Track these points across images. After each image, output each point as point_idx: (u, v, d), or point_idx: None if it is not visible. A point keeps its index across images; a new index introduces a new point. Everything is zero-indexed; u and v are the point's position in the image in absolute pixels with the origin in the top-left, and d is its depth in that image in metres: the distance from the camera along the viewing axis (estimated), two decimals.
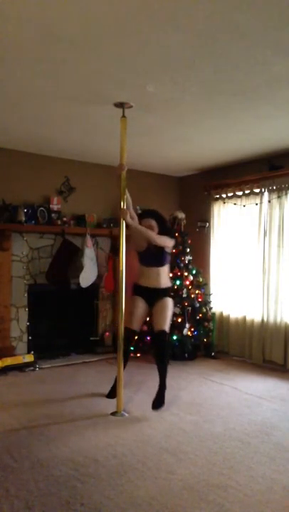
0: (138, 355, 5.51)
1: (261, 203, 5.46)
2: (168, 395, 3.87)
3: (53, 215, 5.39)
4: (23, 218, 5.03)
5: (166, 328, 3.90)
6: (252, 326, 5.55)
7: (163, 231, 3.98)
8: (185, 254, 5.70)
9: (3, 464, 2.74)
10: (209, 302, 5.83)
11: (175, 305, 5.37)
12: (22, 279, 5.25)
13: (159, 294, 3.96)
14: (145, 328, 5.52)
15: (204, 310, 5.62)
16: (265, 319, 5.38)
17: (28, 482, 2.52)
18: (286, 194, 5.18)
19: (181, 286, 5.49)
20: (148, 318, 4.30)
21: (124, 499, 2.35)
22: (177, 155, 5.54)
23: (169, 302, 3.98)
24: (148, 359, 5.43)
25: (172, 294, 5.43)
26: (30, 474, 2.61)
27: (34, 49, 2.80)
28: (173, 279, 5.55)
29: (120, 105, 3.68)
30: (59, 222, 5.40)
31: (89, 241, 5.51)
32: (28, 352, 5.19)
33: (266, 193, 5.42)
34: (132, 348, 4.14)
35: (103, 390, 4.16)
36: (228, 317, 5.89)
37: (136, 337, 4.17)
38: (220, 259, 6.01)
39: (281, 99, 3.58)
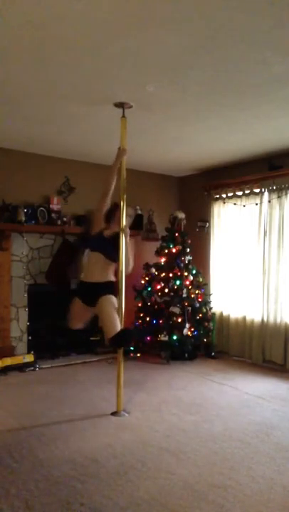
0: (138, 355, 5.51)
1: (261, 203, 5.46)
2: (168, 395, 3.88)
3: (53, 215, 5.39)
4: (23, 218, 5.04)
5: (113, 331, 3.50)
6: (252, 326, 5.55)
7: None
8: (185, 254, 5.70)
9: (3, 464, 2.74)
10: (209, 302, 5.83)
11: (175, 305, 5.40)
12: (22, 279, 5.25)
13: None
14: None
15: (204, 310, 5.62)
16: (265, 319, 5.38)
17: (28, 482, 2.52)
18: (286, 194, 5.18)
19: (181, 286, 5.49)
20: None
21: (124, 499, 2.35)
22: (177, 155, 5.54)
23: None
24: (148, 359, 5.44)
25: (172, 294, 5.48)
26: (30, 474, 2.61)
27: (34, 49, 2.80)
28: (173, 279, 5.56)
29: (120, 105, 3.68)
30: (59, 222, 5.40)
31: None
32: (28, 352, 5.19)
33: (266, 193, 5.41)
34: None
35: (103, 390, 4.16)
36: (228, 317, 5.89)
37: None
38: (220, 259, 6.01)
39: (281, 98, 3.58)
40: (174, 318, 5.35)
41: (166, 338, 5.31)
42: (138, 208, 6.10)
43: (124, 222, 3.64)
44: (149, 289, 5.63)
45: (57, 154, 5.50)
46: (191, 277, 5.65)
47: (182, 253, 5.68)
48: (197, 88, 3.39)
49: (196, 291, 5.62)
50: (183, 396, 4.11)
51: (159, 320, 5.43)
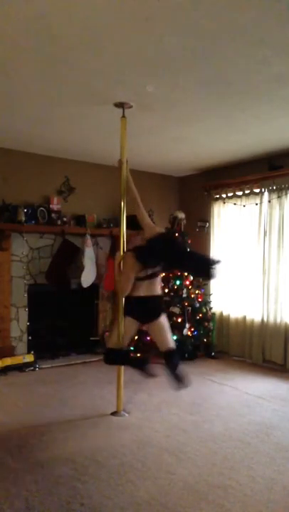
0: (138, 355, 5.51)
1: (261, 203, 5.46)
2: (168, 395, 3.87)
3: (53, 215, 5.39)
4: (23, 218, 5.03)
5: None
6: (252, 326, 5.55)
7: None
8: None
9: (3, 464, 2.74)
10: (209, 302, 5.83)
11: (175, 305, 5.40)
12: (22, 279, 5.25)
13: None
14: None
15: (204, 310, 5.62)
16: (265, 319, 5.38)
17: (28, 482, 2.52)
18: (286, 194, 5.18)
19: (181, 286, 5.49)
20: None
21: (124, 499, 2.35)
22: (177, 155, 5.54)
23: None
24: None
25: (172, 294, 5.48)
26: (30, 474, 2.61)
27: (34, 49, 2.80)
28: (173, 279, 5.56)
29: (120, 105, 3.68)
30: (59, 222, 5.40)
31: (89, 241, 5.51)
32: (28, 352, 5.19)
33: (266, 193, 5.41)
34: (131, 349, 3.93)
35: (103, 390, 4.16)
36: (228, 317, 5.89)
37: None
38: (220, 259, 5.99)
39: (281, 98, 3.58)
40: (174, 318, 5.34)
41: None
42: None
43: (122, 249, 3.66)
44: None
45: (57, 154, 5.50)
46: (191, 277, 5.65)
47: None
48: (197, 88, 3.39)
49: (196, 291, 5.62)
50: (183, 396, 4.11)
51: None
